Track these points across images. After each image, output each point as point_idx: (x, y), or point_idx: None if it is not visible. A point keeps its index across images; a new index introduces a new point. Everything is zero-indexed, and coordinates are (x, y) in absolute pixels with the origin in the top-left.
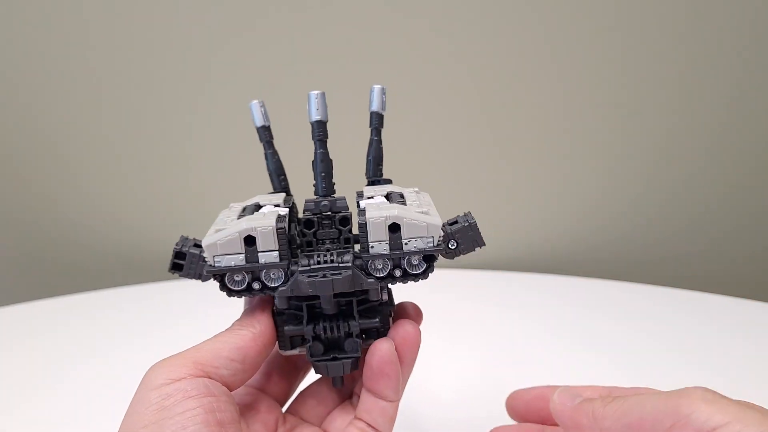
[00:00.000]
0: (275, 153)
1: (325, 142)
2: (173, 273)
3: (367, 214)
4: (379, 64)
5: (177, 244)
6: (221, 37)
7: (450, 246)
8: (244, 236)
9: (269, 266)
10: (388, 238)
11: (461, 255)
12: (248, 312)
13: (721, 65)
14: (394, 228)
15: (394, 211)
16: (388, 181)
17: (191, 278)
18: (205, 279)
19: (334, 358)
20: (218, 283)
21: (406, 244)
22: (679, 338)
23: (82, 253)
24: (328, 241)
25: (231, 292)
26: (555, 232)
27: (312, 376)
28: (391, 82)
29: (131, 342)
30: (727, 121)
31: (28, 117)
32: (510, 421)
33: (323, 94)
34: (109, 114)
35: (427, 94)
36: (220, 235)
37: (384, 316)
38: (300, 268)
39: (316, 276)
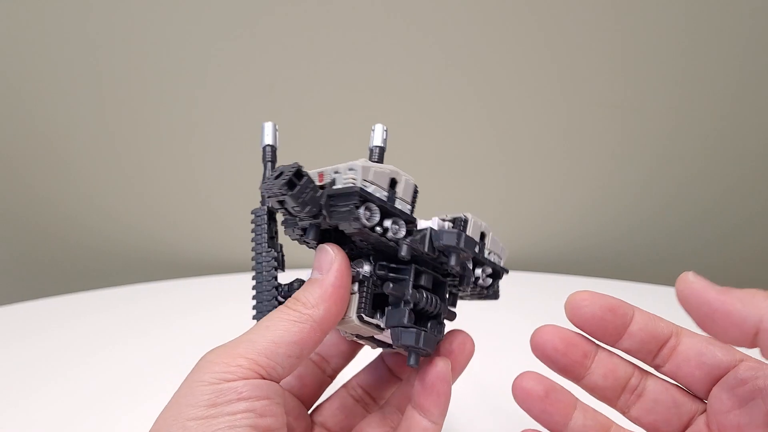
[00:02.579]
0: None
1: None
2: (276, 189)
3: (469, 215)
4: (379, 64)
5: (297, 164)
6: (222, 36)
7: (492, 286)
8: (392, 177)
9: (405, 215)
10: (479, 242)
11: (482, 298)
12: (319, 287)
13: (721, 65)
14: (482, 236)
15: (485, 223)
16: None
17: (296, 203)
18: (310, 212)
19: (425, 331)
20: (344, 213)
21: (488, 254)
22: None
23: (82, 253)
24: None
25: (357, 224)
26: (555, 232)
27: (338, 384)
28: (391, 83)
29: (131, 342)
30: (726, 122)
31: (28, 117)
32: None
33: (387, 129)
34: (109, 114)
35: (427, 94)
36: (373, 164)
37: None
38: (437, 227)
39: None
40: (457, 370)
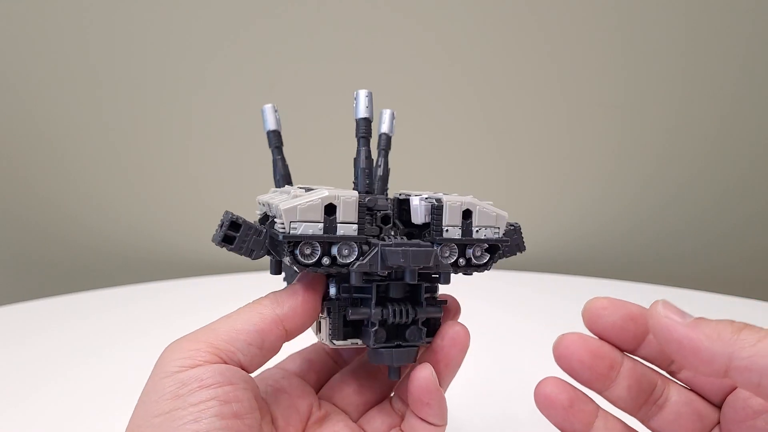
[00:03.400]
0: (284, 159)
1: (369, 140)
2: (222, 246)
3: (444, 198)
4: (380, 63)
5: (228, 214)
6: (221, 37)
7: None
8: (326, 204)
9: (347, 239)
10: (460, 224)
11: (504, 257)
12: (283, 290)
13: (721, 67)
14: (466, 215)
15: (468, 198)
16: None
17: (242, 254)
18: (257, 256)
19: (398, 346)
20: (284, 256)
21: (476, 231)
22: None
23: (82, 253)
24: (370, 239)
25: (300, 266)
26: (555, 232)
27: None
28: (392, 83)
29: (131, 342)
30: (726, 122)
31: (28, 117)
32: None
33: (371, 94)
34: (109, 114)
35: (427, 94)
36: (300, 201)
37: (441, 307)
38: (382, 243)
39: (403, 249)
40: (452, 365)
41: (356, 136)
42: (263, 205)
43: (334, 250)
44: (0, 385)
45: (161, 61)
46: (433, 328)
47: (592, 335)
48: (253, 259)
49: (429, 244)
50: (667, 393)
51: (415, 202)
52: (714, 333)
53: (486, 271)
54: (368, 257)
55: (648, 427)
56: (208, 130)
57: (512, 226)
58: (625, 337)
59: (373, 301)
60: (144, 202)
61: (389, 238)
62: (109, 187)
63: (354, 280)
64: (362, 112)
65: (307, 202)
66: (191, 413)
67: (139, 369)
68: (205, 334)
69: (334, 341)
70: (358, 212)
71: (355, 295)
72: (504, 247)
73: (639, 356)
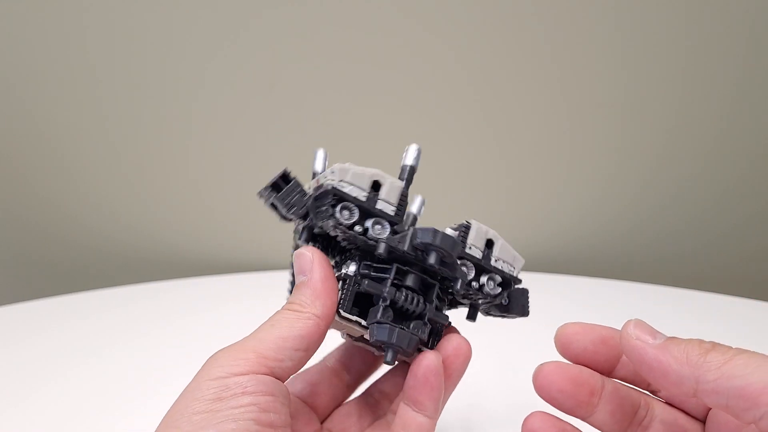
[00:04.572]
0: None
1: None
2: (267, 194)
3: (472, 220)
4: (380, 65)
5: (285, 169)
6: (221, 37)
7: (502, 301)
8: (374, 179)
9: (384, 215)
10: (483, 249)
11: (504, 316)
12: (308, 287)
13: (721, 66)
14: (489, 244)
15: (492, 230)
16: None
17: (282, 206)
18: (296, 213)
19: (402, 329)
20: (322, 212)
21: (494, 261)
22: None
23: (82, 253)
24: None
25: (335, 223)
26: (555, 232)
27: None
28: (391, 83)
29: (130, 342)
30: (726, 122)
31: (28, 117)
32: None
33: (420, 149)
34: (109, 114)
35: (427, 95)
36: (353, 166)
37: (446, 323)
38: (417, 227)
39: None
40: (453, 377)
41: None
42: (309, 187)
43: (368, 224)
44: (0, 385)
45: (161, 61)
46: (434, 336)
47: (569, 364)
48: (288, 216)
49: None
50: (651, 412)
51: (447, 231)
52: (682, 355)
53: (493, 302)
54: (400, 235)
55: None
56: (208, 130)
57: (522, 288)
58: (598, 361)
59: (390, 278)
60: (144, 202)
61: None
62: (109, 187)
63: (381, 249)
64: (410, 160)
65: (360, 168)
66: (230, 414)
67: (139, 369)
68: (250, 342)
69: (341, 310)
70: (399, 199)
71: (373, 273)
72: (515, 284)
73: (616, 378)
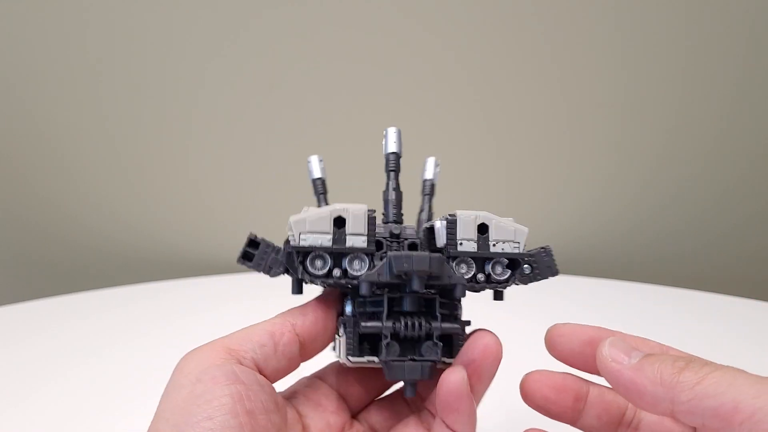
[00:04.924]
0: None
1: (398, 173)
2: (242, 263)
3: (458, 212)
4: (380, 64)
5: (250, 234)
6: (221, 37)
7: (524, 270)
8: (335, 216)
9: (356, 250)
10: (476, 238)
11: (535, 281)
12: (295, 307)
13: (721, 66)
14: (483, 229)
15: (482, 212)
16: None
17: (259, 271)
18: (275, 273)
19: (412, 360)
20: (296, 268)
21: (493, 245)
22: (678, 337)
23: (82, 253)
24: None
25: (310, 277)
26: (555, 232)
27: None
28: (392, 82)
29: (131, 342)
30: (726, 122)
31: (28, 117)
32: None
33: (400, 131)
34: (109, 114)
35: (428, 95)
36: (310, 213)
37: (462, 325)
38: (391, 252)
39: (411, 256)
40: (484, 379)
41: (386, 170)
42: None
43: (345, 263)
44: (0, 385)
45: (161, 62)
46: (453, 346)
47: (554, 370)
48: (272, 276)
49: (439, 253)
50: (639, 414)
51: (437, 224)
52: (656, 376)
53: (506, 287)
54: (377, 267)
55: None
56: (208, 130)
57: (543, 248)
58: (586, 362)
59: (385, 313)
60: (144, 202)
61: (398, 245)
62: (109, 187)
63: (364, 290)
64: (390, 148)
65: (316, 213)
66: (205, 410)
67: (139, 369)
68: (220, 339)
69: (350, 357)
70: (368, 224)
71: (369, 309)
72: (526, 262)
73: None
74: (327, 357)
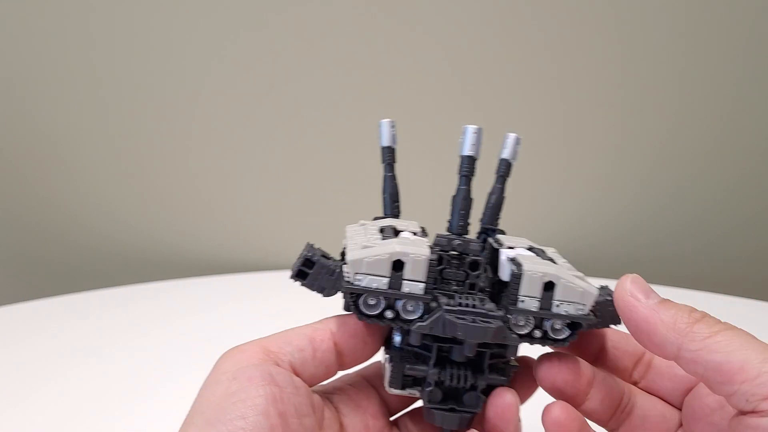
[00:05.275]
0: (395, 177)
1: (471, 179)
2: (296, 280)
3: (524, 267)
4: (379, 65)
5: (306, 251)
6: (223, 36)
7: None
8: (394, 260)
9: (411, 297)
10: (540, 296)
11: (598, 327)
12: (337, 316)
13: (721, 66)
14: (548, 287)
15: (551, 269)
16: (502, 232)
17: (313, 290)
18: (328, 294)
19: (452, 410)
20: (349, 302)
21: (557, 306)
22: None
23: (82, 253)
24: (453, 283)
25: (361, 315)
26: (555, 232)
27: None
28: (390, 83)
29: (130, 342)
30: (726, 122)
31: (28, 117)
32: None
33: (481, 130)
34: (109, 114)
35: (427, 95)
36: (368, 253)
37: (509, 374)
38: (445, 307)
39: (465, 319)
40: None
41: (459, 173)
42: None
43: (398, 305)
44: (0, 385)
45: (161, 62)
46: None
47: (568, 354)
48: (325, 296)
49: (499, 314)
50: (632, 400)
51: (502, 258)
52: (671, 321)
53: (563, 346)
54: (430, 320)
55: None
56: (208, 130)
57: (608, 296)
58: (583, 353)
59: (432, 362)
60: (144, 202)
61: (461, 297)
62: (109, 187)
63: (413, 340)
64: (467, 150)
65: (374, 256)
66: (239, 409)
67: (139, 369)
68: (259, 339)
69: (392, 388)
70: (427, 271)
71: (417, 349)
72: (589, 325)
73: (602, 368)
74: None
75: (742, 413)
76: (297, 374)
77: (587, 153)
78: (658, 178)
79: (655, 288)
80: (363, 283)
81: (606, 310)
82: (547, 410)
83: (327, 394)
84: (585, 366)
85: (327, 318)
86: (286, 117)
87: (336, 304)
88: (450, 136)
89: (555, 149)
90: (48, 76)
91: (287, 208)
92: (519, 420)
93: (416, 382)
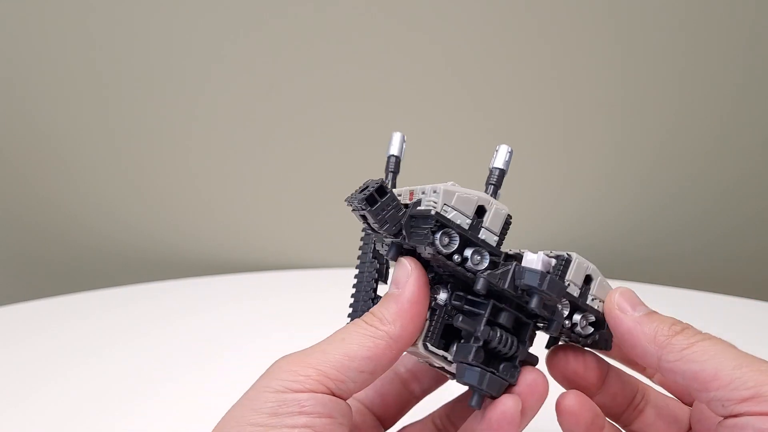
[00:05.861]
0: (393, 186)
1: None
2: (361, 207)
3: (573, 254)
4: (378, 66)
5: (379, 179)
6: (222, 38)
7: (594, 335)
8: (479, 204)
9: (487, 246)
10: (581, 285)
11: (589, 347)
12: (395, 302)
13: (722, 65)
14: (588, 280)
15: (592, 264)
16: None
17: (375, 220)
18: (386, 230)
19: (493, 374)
20: (422, 235)
21: (591, 300)
22: None
23: (82, 253)
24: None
25: (433, 249)
26: (555, 232)
27: (418, 413)
28: (389, 84)
29: (130, 342)
30: (727, 121)
31: (28, 117)
32: None
33: (512, 151)
34: (109, 114)
35: (427, 96)
36: (459, 189)
37: (536, 362)
38: (518, 264)
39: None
40: (526, 416)
41: (486, 183)
42: (400, 195)
43: (468, 252)
44: (0, 385)
45: (161, 61)
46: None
47: (582, 347)
48: (379, 232)
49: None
50: (646, 397)
51: (530, 256)
52: (651, 333)
53: (583, 344)
54: (501, 270)
55: (628, 431)
56: (208, 130)
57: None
58: (587, 378)
59: (485, 319)
60: (144, 202)
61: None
62: (109, 187)
63: (480, 285)
64: (498, 163)
65: (465, 192)
66: None
67: (139, 369)
68: (315, 356)
69: (428, 344)
70: (503, 226)
71: (465, 307)
72: (607, 328)
73: (615, 359)
74: None
75: (723, 417)
76: (349, 392)
77: (587, 153)
78: (658, 178)
79: (655, 288)
80: (449, 216)
81: (604, 334)
82: (561, 399)
83: None
84: (598, 360)
85: (377, 314)
86: (287, 117)
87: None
88: (450, 136)
89: (555, 149)
90: (48, 76)
91: (287, 208)
92: (519, 428)
93: (446, 345)
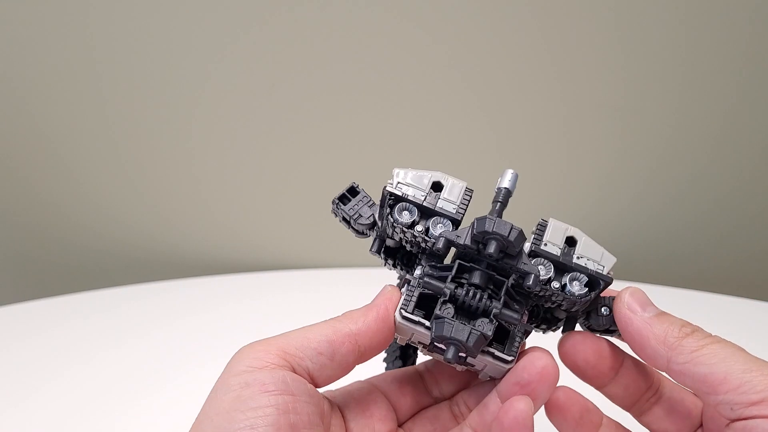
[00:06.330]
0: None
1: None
2: (336, 205)
3: (550, 219)
4: (380, 65)
5: (353, 183)
6: (222, 37)
7: (603, 311)
8: (435, 180)
9: (443, 214)
10: (562, 247)
11: (595, 329)
12: (364, 308)
13: (724, 65)
14: (570, 242)
15: (575, 228)
16: None
17: (349, 215)
18: (360, 224)
19: (463, 323)
20: (383, 214)
21: (577, 258)
22: None
23: (82, 253)
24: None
25: (393, 223)
26: None
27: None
28: (390, 83)
29: (130, 342)
30: (728, 121)
31: (28, 117)
32: None
33: (517, 175)
34: (109, 114)
35: (428, 95)
36: (413, 169)
37: (523, 332)
38: (477, 217)
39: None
40: (537, 402)
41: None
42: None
43: (429, 223)
44: (0, 385)
45: (161, 61)
46: (510, 343)
47: (597, 336)
48: (357, 228)
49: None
50: (661, 389)
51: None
52: (662, 334)
53: (579, 306)
54: (461, 229)
55: (640, 422)
56: (208, 129)
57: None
58: (599, 373)
59: (451, 275)
60: (144, 202)
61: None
62: (109, 187)
63: (440, 244)
64: (505, 183)
65: (421, 170)
66: (248, 417)
67: (138, 369)
68: (277, 339)
69: (403, 312)
70: (462, 197)
71: (437, 274)
72: (605, 304)
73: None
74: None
75: (731, 420)
76: (313, 379)
77: (587, 153)
78: (658, 179)
79: (655, 288)
80: (402, 191)
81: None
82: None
83: (335, 399)
84: (613, 350)
85: (348, 313)
86: (287, 117)
87: (335, 304)
88: (451, 136)
89: (555, 149)
90: (48, 76)
91: (287, 208)
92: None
93: (426, 317)
